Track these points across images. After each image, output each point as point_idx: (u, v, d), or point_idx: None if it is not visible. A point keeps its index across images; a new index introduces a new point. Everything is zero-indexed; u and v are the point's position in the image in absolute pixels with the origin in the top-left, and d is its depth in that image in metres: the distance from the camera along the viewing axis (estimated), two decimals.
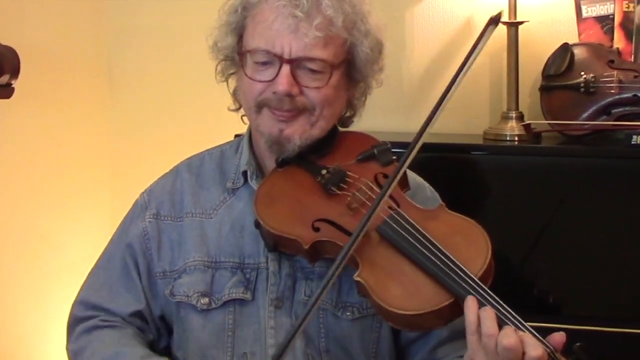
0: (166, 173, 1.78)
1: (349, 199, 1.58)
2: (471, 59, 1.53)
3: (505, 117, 2.36)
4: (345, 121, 1.74)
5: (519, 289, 2.16)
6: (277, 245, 1.60)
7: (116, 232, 1.78)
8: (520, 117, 2.36)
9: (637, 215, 2.12)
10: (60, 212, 2.63)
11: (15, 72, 2.22)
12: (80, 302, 1.74)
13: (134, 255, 1.72)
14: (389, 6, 2.51)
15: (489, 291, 1.42)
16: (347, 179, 1.61)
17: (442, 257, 1.45)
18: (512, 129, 2.34)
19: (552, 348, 1.36)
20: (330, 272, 1.45)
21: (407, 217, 1.52)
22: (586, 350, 1.37)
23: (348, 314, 1.62)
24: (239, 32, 1.65)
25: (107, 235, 1.84)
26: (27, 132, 2.50)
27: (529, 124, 2.33)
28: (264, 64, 1.60)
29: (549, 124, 2.32)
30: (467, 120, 2.50)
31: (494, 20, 1.53)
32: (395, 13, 2.56)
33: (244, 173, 1.70)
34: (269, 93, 1.60)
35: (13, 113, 2.37)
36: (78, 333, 1.71)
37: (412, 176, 1.71)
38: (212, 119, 2.40)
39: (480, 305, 1.39)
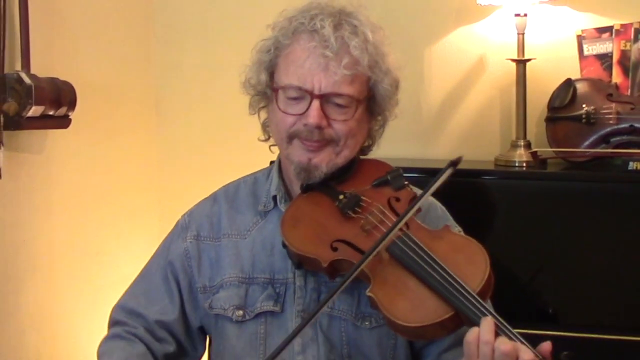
0: (206, 198, 1.85)
1: (362, 221, 1.64)
2: (427, 193, 1.58)
3: (514, 145, 2.44)
4: (365, 150, 1.80)
5: (525, 302, 2.23)
6: (301, 263, 1.67)
7: (159, 248, 1.85)
8: (528, 145, 2.44)
9: (633, 234, 2.19)
10: (112, 231, 2.69)
11: (72, 104, 2.33)
12: (119, 306, 1.82)
13: (175, 272, 1.78)
14: (409, 45, 2.60)
15: (485, 305, 1.48)
16: (361, 203, 1.67)
17: (444, 275, 1.51)
18: (521, 156, 2.41)
19: (541, 357, 1.42)
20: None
21: (414, 238, 1.58)
22: (573, 358, 1.44)
23: (367, 323, 1.69)
24: (271, 69, 1.71)
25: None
26: (83, 159, 2.55)
27: (536, 152, 2.43)
28: (296, 99, 1.66)
29: (554, 151, 2.41)
30: (479, 148, 2.59)
31: (454, 164, 1.54)
32: (414, 51, 2.64)
33: (274, 197, 1.77)
34: (300, 125, 1.66)
35: (70, 141, 2.46)
36: (108, 337, 1.79)
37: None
38: (250, 147, 2.31)
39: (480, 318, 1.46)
